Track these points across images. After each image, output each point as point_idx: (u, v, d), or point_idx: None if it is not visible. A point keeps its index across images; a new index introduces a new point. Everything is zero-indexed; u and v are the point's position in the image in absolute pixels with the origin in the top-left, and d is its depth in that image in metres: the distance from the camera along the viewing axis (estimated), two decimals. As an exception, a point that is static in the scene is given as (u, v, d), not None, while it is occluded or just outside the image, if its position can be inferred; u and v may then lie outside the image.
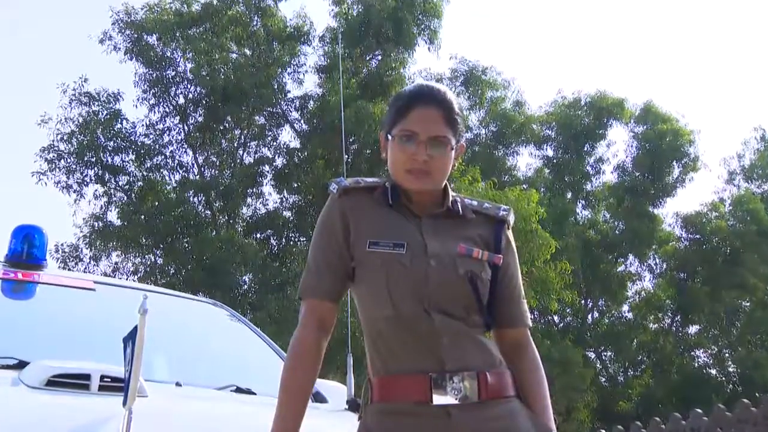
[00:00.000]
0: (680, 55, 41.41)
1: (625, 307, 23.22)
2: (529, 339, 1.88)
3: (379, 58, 17.84)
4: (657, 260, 23.07)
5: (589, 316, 22.82)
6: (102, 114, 17.42)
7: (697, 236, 22.07)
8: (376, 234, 1.77)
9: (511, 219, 1.89)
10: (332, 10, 18.31)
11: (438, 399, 1.69)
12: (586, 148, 22.77)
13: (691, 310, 21.71)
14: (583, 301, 21.96)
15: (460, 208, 1.85)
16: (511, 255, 1.88)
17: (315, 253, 1.84)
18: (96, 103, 17.39)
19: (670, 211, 22.94)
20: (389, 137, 1.81)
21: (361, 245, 1.77)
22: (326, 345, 1.82)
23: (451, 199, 1.84)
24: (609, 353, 23.05)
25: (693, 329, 23.07)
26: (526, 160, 32.71)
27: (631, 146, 22.69)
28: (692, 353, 22.81)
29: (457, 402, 1.69)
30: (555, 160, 22.98)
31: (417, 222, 1.80)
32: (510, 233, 1.90)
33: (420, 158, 1.76)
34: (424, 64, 25.44)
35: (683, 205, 43.29)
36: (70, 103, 17.24)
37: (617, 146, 23.74)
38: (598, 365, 22.48)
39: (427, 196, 1.82)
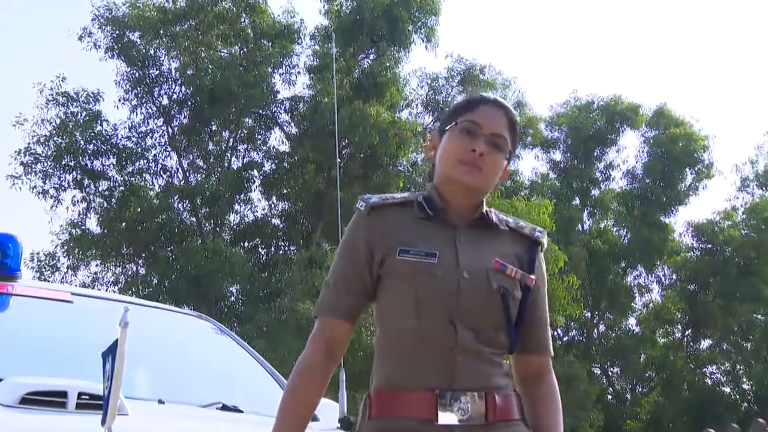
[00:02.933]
0: (695, 58, 41.61)
1: (633, 321, 23.25)
2: (551, 368, 1.91)
3: (373, 57, 17.86)
4: (667, 271, 23.10)
5: (595, 330, 22.83)
6: (81, 115, 17.36)
7: (709, 246, 22.11)
8: (407, 242, 1.79)
9: (545, 242, 1.92)
10: (323, 7, 18.35)
11: (443, 418, 1.69)
12: (595, 153, 22.83)
13: (703, 323, 21.73)
14: (588, 314, 21.97)
15: (495, 221, 1.87)
16: (542, 279, 1.90)
17: (335, 270, 1.86)
18: (74, 104, 17.34)
19: (681, 220, 23.05)
20: (447, 129, 1.87)
21: (391, 254, 1.79)
22: (334, 369, 1.83)
23: (485, 209, 1.87)
24: (616, 369, 23.07)
25: (705, 344, 23.10)
26: (530, 164, 32.74)
27: (642, 151, 22.77)
28: (704, 369, 22.82)
29: (462, 423, 1.70)
30: (562, 165, 23.02)
31: (452, 231, 1.82)
32: (542, 256, 1.92)
33: (478, 150, 1.80)
34: (419, 63, 25.48)
35: (695, 214, 43.36)
36: (46, 103, 17.20)
37: (627, 151, 23.86)
38: (604, 382, 22.49)
39: (466, 203, 1.85)
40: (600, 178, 23.16)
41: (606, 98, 22.61)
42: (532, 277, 1.84)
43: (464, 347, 1.73)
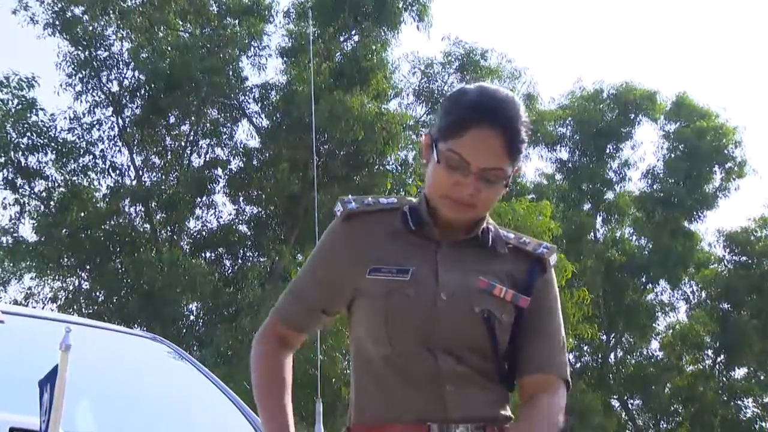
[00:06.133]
0: (720, 39, 41.89)
1: (656, 345, 23.34)
2: (556, 389, 1.88)
3: (357, 39, 17.90)
4: (694, 287, 23.23)
5: (612, 355, 22.91)
6: (12, 104, 17.32)
7: (744, 258, 22.26)
8: (380, 259, 1.80)
9: (553, 259, 1.91)
10: (299, -20, 18.40)
11: None
12: (608, 150, 22.94)
13: (738, 348, 21.83)
14: (604, 337, 22.06)
15: (490, 239, 1.87)
16: (552, 299, 1.91)
17: (299, 278, 1.93)
18: (4, 90, 17.29)
19: (711, 227, 23.19)
20: (434, 149, 1.79)
21: (362, 272, 1.80)
22: (291, 355, 1.92)
23: (483, 226, 1.86)
24: (636, 400, 23.14)
25: (740, 373, 23.21)
26: (534, 164, 32.93)
27: (663, 147, 22.91)
28: (739, 402, 22.93)
29: None
30: (570, 165, 23.11)
31: (434, 247, 1.83)
32: (552, 274, 1.92)
33: (466, 191, 1.76)
34: (410, 47, 25.53)
35: (726, 220, 43.59)
36: (-29, 90, 17.15)
37: (645, 147, 23.96)
38: (623, 415, 22.57)
39: (459, 224, 1.84)
40: (614, 179, 23.25)
41: (616, 85, 22.72)
42: (527, 298, 1.83)
43: (449, 375, 1.74)
